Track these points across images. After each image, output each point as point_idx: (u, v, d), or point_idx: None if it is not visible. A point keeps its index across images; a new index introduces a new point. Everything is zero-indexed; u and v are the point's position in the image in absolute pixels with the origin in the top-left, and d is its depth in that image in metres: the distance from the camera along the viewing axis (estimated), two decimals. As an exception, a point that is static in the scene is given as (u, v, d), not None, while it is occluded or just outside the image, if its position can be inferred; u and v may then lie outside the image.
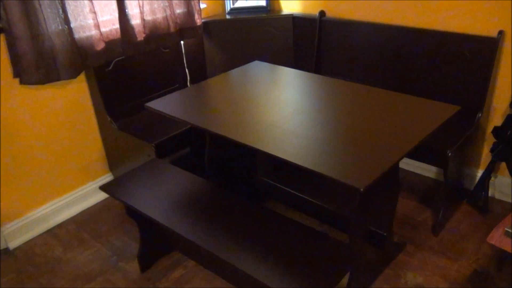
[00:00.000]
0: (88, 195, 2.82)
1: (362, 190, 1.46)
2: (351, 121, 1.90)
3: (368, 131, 1.81)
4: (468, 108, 2.45)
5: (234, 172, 2.61)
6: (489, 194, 2.63)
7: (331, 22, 2.99)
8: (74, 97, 2.62)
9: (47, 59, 2.33)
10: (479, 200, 2.58)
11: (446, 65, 2.55)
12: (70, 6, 2.36)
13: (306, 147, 1.71)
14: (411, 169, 2.99)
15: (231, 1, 3.25)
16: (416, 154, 2.44)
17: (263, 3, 3.26)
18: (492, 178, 2.62)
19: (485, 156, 2.65)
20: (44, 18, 2.26)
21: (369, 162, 1.60)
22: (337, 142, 1.74)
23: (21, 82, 2.32)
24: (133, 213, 2.12)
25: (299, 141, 1.75)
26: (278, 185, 2.52)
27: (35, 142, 2.50)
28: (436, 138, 2.33)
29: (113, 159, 2.87)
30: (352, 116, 1.95)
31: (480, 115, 2.48)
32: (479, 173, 2.67)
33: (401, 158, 1.64)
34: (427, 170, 2.93)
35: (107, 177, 2.92)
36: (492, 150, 2.49)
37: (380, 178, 1.52)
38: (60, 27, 2.31)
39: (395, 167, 2.02)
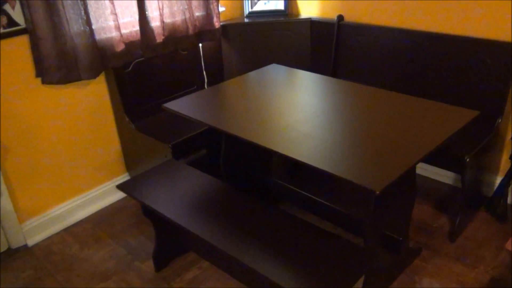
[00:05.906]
0: (105, 194, 2.86)
1: (378, 192, 1.45)
2: (368, 125, 1.90)
3: (385, 134, 1.81)
4: (487, 113, 2.42)
5: (249, 174, 2.62)
6: (508, 202, 2.58)
7: (349, 26, 2.98)
8: (94, 97, 2.67)
9: (69, 60, 2.37)
10: (498, 207, 2.54)
11: (466, 70, 2.53)
12: (92, 8, 2.41)
13: (322, 150, 1.71)
14: (429, 175, 2.96)
15: (249, 5, 3.28)
16: (433, 159, 2.41)
17: (282, 7, 3.27)
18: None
19: (504, 162, 2.61)
20: (67, 19, 2.30)
21: (386, 166, 1.59)
22: (354, 145, 1.74)
23: (43, 82, 2.37)
24: (149, 213, 2.14)
25: (315, 143, 1.75)
26: (292, 187, 2.52)
27: (55, 140, 2.55)
28: (454, 143, 2.31)
29: (130, 159, 2.91)
30: (369, 119, 1.94)
31: (499, 121, 2.44)
32: (498, 180, 2.63)
33: (418, 162, 1.63)
34: (445, 176, 2.89)
35: (124, 177, 2.96)
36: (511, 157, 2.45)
37: (396, 181, 1.52)
38: (82, 28, 2.35)
39: (412, 171, 2.00)
